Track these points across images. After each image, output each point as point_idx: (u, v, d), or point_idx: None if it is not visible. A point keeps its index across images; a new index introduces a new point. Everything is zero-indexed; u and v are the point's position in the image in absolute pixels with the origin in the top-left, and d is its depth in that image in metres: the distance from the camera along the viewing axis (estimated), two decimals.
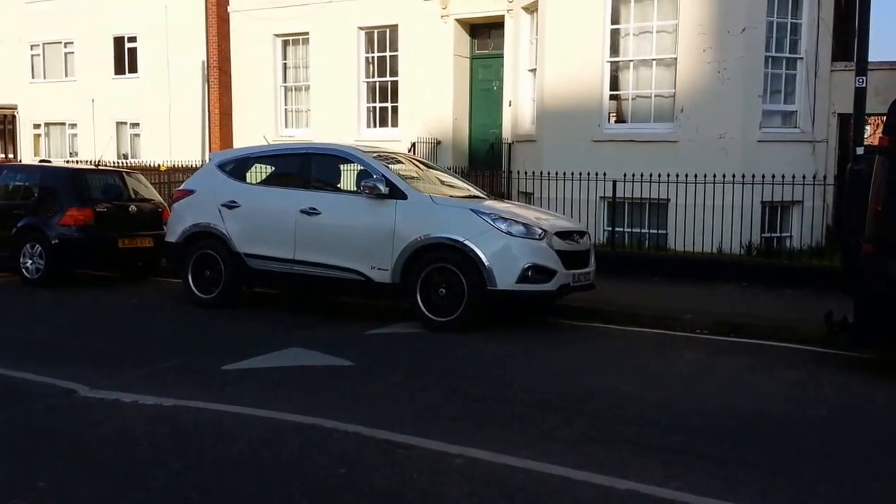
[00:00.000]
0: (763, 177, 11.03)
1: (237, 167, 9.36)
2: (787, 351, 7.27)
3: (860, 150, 9.61)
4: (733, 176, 11.25)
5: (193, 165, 16.44)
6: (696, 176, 11.33)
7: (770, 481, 4.08)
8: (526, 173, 12.65)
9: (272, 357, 6.70)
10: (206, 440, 4.61)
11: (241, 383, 5.88)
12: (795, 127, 12.94)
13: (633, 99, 13.17)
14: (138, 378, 5.99)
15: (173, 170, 15.83)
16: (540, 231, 7.77)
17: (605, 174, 11.66)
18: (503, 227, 7.71)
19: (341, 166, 9.18)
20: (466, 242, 7.66)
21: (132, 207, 11.11)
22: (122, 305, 9.47)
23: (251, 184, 9.37)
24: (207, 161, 9.79)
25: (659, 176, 11.45)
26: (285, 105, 19.82)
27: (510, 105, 16.03)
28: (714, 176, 11.31)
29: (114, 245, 10.73)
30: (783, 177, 10.97)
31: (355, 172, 8.83)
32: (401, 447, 4.45)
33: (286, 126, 19.74)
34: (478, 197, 8.97)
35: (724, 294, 9.80)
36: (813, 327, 7.61)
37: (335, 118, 18.17)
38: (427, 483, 3.98)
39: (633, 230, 12.73)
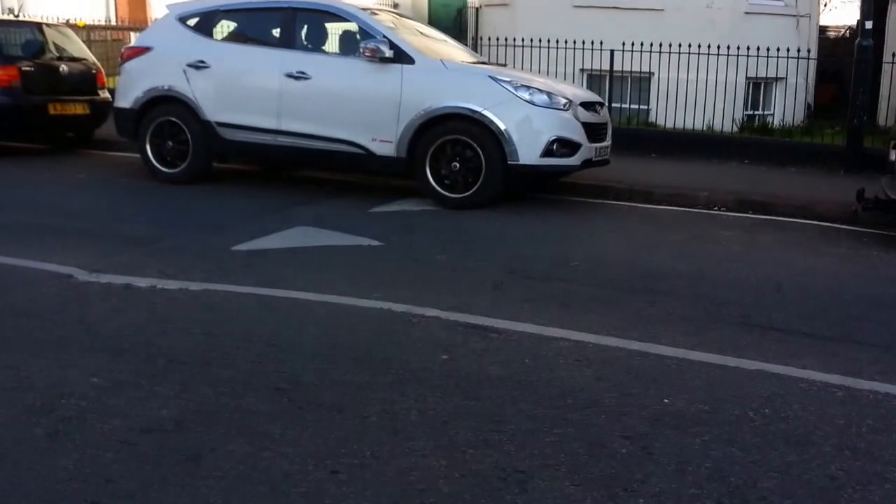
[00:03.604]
0: (748, 50, 11.17)
1: (203, 21, 8.85)
2: (820, 229, 7.68)
3: (869, 25, 9.99)
4: (718, 48, 11.41)
5: (118, 23, 15.26)
6: (679, 46, 11.44)
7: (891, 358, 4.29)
8: (498, 40, 12.47)
9: (283, 237, 6.48)
10: (258, 326, 4.33)
11: (261, 264, 5.60)
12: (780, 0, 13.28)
13: None
14: (136, 259, 5.62)
15: (93, 27, 14.63)
16: (565, 101, 7.79)
17: (584, 43, 11.63)
18: (525, 95, 7.68)
19: (328, 25, 8.83)
20: (486, 113, 7.60)
21: (63, 68, 10.33)
22: (72, 181, 8.94)
23: (224, 41, 8.93)
24: (166, 14, 9.17)
25: (641, 45, 11.50)
26: None
27: None
28: (699, 47, 11.46)
29: (44, 111, 9.98)
30: (768, 50, 11.15)
31: (339, 34, 8.54)
32: (493, 331, 4.35)
33: None
34: (482, 62, 8.86)
35: (729, 171, 10.19)
36: (832, 205, 8.09)
37: None
38: (545, 368, 3.90)
39: (614, 105, 12.87)
